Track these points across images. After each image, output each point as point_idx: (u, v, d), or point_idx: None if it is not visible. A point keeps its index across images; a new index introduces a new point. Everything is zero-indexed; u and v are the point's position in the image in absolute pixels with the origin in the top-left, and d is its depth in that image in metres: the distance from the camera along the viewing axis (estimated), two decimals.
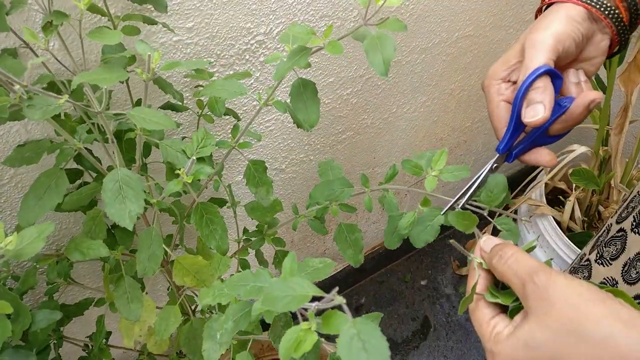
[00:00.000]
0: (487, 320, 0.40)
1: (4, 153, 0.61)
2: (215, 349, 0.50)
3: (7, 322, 0.43)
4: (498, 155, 0.49)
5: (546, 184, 1.28)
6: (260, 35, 0.74)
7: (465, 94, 1.19)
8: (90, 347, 0.78)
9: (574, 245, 1.17)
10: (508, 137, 0.48)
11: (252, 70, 0.76)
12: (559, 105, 0.47)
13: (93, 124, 0.54)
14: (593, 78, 0.64)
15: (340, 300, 0.32)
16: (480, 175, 0.51)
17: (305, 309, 0.35)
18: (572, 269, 0.88)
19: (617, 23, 0.47)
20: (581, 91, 0.48)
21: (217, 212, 0.54)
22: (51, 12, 0.44)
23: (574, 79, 0.48)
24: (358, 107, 0.98)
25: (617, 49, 0.50)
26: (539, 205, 1.24)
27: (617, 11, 0.47)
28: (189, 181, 0.45)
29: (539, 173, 1.34)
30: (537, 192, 1.28)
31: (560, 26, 0.45)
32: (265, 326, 0.62)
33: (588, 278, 0.82)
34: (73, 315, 0.70)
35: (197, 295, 0.70)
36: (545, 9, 0.50)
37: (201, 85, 0.65)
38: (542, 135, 0.48)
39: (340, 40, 0.44)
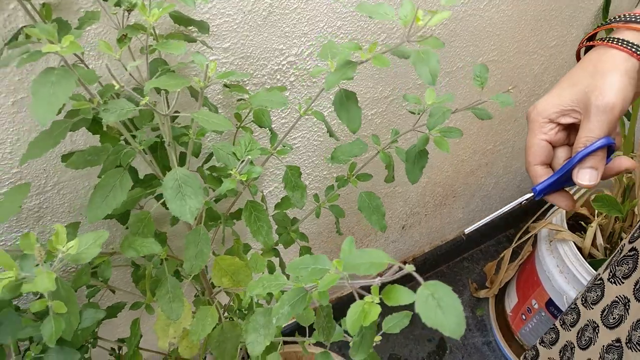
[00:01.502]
0: None
1: (49, 162, 0.65)
2: (260, 341, 0.52)
3: (61, 320, 0.46)
4: (532, 195, 0.52)
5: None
6: (291, 56, 0.77)
7: (492, 111, 1.21)
8: (118, 351, 0.81)
9: (594, 271, 1.17)
10: (548, 185, 0.50)
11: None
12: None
13: (133, 136, 0.58)
14: None
15: (411, 268, 0.36)
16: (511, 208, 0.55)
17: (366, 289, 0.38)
18: (587, 288, 0.88)
19: None
20: (618, 139, 0.50)
21: (264, 210, 0.57)
22: (124, 26, 0.48)
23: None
24: (381, 127, 1.01)
25: None
26: (560, 230, 1.24)
27: None
28: (244, 179, 0.49)
29: None
30: (558, 217, 1.28)
31: (625, 91, 0.46)
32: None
33: (601, 297, 0.82)
34: (107, 317, 0.72)
35: (229, 297, 0.73)
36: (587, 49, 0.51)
37: (242, 99, 0.69)
38: (569, 179, 0.50)
39: (365, 64, 0.48)
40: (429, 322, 0.35)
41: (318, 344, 0.75)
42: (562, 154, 0.52)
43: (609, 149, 0.48)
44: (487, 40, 1.01)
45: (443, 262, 1.68)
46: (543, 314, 1.37)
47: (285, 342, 0.76)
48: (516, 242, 1.39)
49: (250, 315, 0.56)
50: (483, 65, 0.63)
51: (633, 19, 0.48)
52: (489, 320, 1.58)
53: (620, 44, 0.47)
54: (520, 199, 0.54)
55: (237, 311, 0.69)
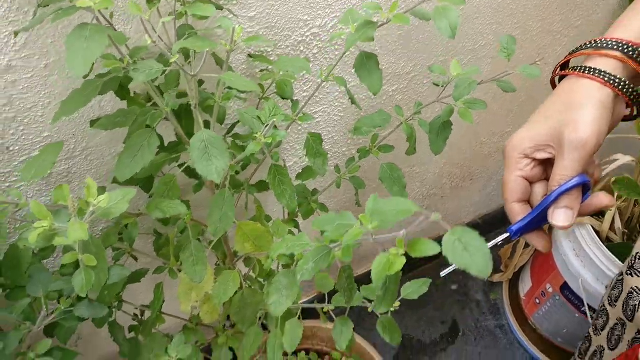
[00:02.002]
0: None
1: (78, 127, 0.67)
2: (282, 302, 0.53)
3: (92, 273, 0.47)
4: (508, 233, 0.50)
5: None
6: (315, 27, 0.77)
7: (508, 98, 1.20)
8: (140, 316, 0.83)
9: (612, 255, 1.16)
10: (524, 225, 0.48)
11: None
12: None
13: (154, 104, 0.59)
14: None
15: (437, 216, 0.36)
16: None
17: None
18: (612, 286, 0.88)
19: (636, 98, 0.47)
20: (597, 171, 0.48)
21: (287, 175, 0.58)
22: None
23: (596, 173, 0.49)
24: (403, 103, 1.01)
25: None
26: None
27: (635, 84, 0.46)
28: (268, 141, 0.49)
29: None
30: None
31: (599, 125, 0.44)
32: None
33: (621, 291, 0.82)
34: (130, 282, 0.74)
35: (248, 268, 0.74)
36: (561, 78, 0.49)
37: (265, 70, 0.69)
38: (545, 218, 0.48)
39: (387, 38, 0.48)
40: (457, 263, 0.36)
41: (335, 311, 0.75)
42: (539, 190, 0.49)
43: (585, 186, 0.46)
44: (511, 19, 1.00)
45: None
46: (557, 297, 1.36)
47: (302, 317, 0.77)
48: None
49: (273, 277, 0.57)
50: (510, 36, 0.63)
51: (605, 45, 0.46)
52: (503, 304, 1.58)
53: (592, 73, 0.45)
54: (497, 240, 0.53)
55: (257, 279, 0.71)
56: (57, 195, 0.42)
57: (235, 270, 0.66)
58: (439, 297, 1.59)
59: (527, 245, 1.50)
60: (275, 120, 0.50)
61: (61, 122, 0.64)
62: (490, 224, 1.68)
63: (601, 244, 1.18)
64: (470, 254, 0.37)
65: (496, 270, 1.62)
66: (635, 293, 0.76)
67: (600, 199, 0.46)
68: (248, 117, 0.53)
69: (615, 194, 1.24)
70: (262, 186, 0.78)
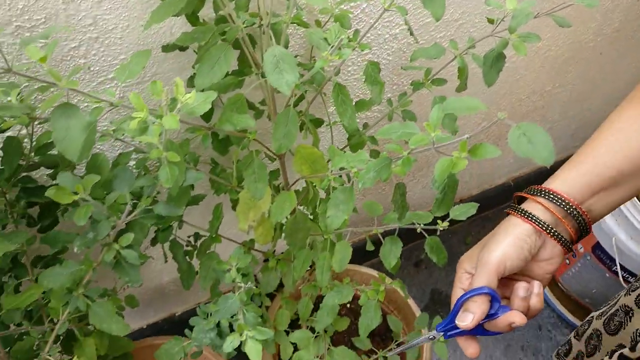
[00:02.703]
0: None
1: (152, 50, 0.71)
2: (339, 215, 0.58)
3: (175, 167, 0.52)
4: (436, 331, 0.59)
5: None
6: None
7: (551, 54, 1.21)
8: (194, 241, 0.88)
9: None
10: (445, 324, 0.57)
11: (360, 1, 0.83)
12: (494, 313, 0.53)
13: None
14: None
15: (502, 115, 0.40)
16: (419, 342, 0.64)
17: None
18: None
19: (562, 239, 0.54)
20: (525, 305, 0.54)
21: (349, 95, 0.61)
22: None
23: (522, 293, 0.54)
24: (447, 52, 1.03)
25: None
26: None
27: (559, 229, 0.53)
28: (336, 58, 0.53)
29: None
30: None
31: (506, 249, 0.53)
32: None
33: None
34: (190, 204, 0.80)
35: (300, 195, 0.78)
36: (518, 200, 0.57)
37: None
38: (479, 328, 0.55)
39: None
40: (522, 154, 0.40)
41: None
42: None
43: (494, 299, 0.53)
44: None
45: (489, 207, 1.70)
46: (588, 257, 1.38)
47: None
48: None
49: (331, 194, 0.62)
50: None
51: (538, 193, 0.54)
52: None
53: (519, 212, 0.54)
54: (430, 334, 0.60)
55: (311, 201, 0.75)
56: (153, 89, 0.47)
57: (292, 191, 0.70)
58: None
59: None
60: (342, 37, 0.54)
61: (135, 46, 0.68)
62: (522, 186, 1.69)
63: (636, 200, 1.19)
64: (534, 146, 0.41)
65: None
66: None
67: (510, 316, 0.53)
68: (315, 38, 0.57)
69: None
70: (316, 122, 0.82)
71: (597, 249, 1.34)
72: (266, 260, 0.87)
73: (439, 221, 0.66)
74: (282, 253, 0.88)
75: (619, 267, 1.28)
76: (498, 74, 0.67)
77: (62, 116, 0.45)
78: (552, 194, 0.54)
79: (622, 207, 1.22)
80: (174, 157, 0.51)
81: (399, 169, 0.55)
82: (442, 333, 0.59)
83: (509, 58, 1.14)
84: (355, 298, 1.29)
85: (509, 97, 1.27)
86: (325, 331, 0.93)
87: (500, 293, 0.56)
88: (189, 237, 0.88)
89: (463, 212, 0.65)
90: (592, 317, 0.92)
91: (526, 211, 0.54)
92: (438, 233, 0.69)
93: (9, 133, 0.62)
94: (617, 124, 0.54)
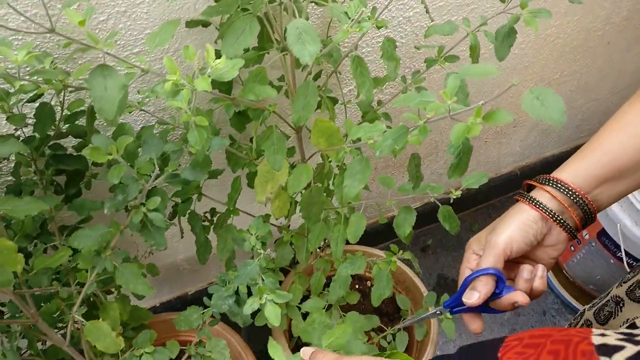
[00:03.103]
0: None
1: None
2: (355, 184, 0.60)
3: (203, 131, 0.54)
4: (443, 307, 0.62)
5: None
6: None
7: (560, 41, 1.23)
8: (211, 217, 0.91)
9: None
10: (452, 301, 0.60)
11: None
12: (499, 292, 0.56)
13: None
14: None
15: (516, 81, 0.42)
16: (426, 316, 0.67)
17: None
18: None
19: (567, 226, 0.56)
20: (529, 286, 0.57)
21: (367, 68, 0.64)
22: None
23: (526, 275, 0.57)
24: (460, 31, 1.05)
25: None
26: None
27: (564, 217, 0.56)
28: (357, 30, 0.55)
29: None
30: None
31: (512, 233, 0.56)
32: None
33: None
34: (209, 177, 0.82)
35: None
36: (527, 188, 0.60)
37: None
38: (484, 306, 0.58)
39: None
40: (535, 116, 0.42)
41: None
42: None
43: (499, 279, 0.55)
44: None
45: (496, 196, 1.72)
46: (593, 244, 1.40)
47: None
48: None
49: (348, 165, 0.64)
50: None
51: (546, 182, 0.57)
52: None
53: (527, 199, 0.57)
54: (436, 310, 0.64)
55: (326, 175, 0.78)
56: (186, 54, 0.49)
57: (308, 164, 0.73)
58: None
59: None
60: (363, 10, 0.56)
61: (160, 21, 0.71)
62: (528, 175, 1.72)
63: None
64: (546, 108, 0.43)
65: None
66: None
67: (514, 296, 0.56)
68: (336, 12, 0.59)
69: None
70: (332, 101, 0.84)
71: (602, 235, 1.37)
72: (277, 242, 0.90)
73: (452, 190, 0.69)
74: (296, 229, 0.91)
75: (623, 253, 1.30)
76: (509, 49, 0.69)
77: (100, 76, 0.48)
78: (559, 183, 0.56)
79: None
80: (202, 121, 0.54)
81: (415, 139, 0.58)
82: (448, 310, 0.61)
83: (517, 45, 1.16)
84: (364, 279, 1.32)
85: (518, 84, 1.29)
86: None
87: (505, 275, 0.59)
88: (205, 213, 0.90)
89: (476, 180, 0.67)
90: (584, 309, 0.94)
91: (534, 198, 0.57)
92: (451, 201, 0.71)
93: (41, 101, 0.64)
94: (626, 117, 0.56)
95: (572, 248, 1.50)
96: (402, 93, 0.78)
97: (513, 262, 0.60)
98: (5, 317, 0.66)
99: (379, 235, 1.51)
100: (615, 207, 1.28)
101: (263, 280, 0.68)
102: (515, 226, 0.56)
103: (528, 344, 0.43)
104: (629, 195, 1.24)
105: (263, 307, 0.64)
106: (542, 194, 0.57)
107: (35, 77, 0.55)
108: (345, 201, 0.73)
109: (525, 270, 0.57)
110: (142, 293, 0.63)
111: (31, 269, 0.61)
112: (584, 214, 0.56)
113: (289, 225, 0.90)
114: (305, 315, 0.97)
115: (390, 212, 1.55)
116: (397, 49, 0.98)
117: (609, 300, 0.85)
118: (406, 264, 1.21)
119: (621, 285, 0.84)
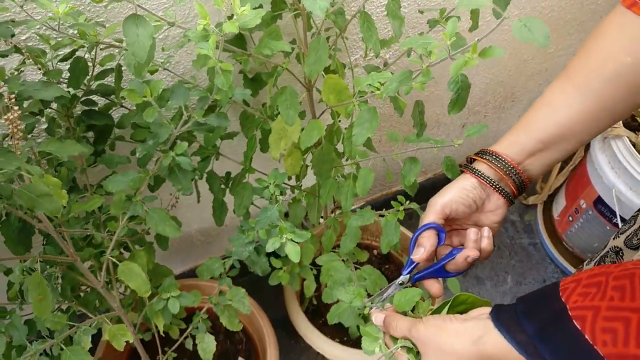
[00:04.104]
0: None
1: None
2: (363, 132, 0.65)
3: (229, 75, 0.60)
4: (402, 276, 0.65)
5: None
6: None
7: (554, 15, 1.28)
8: (226, 180, 0.96)
9: None
10: (408, 266, 0.64)
11: None
12: (451, 253, 0.61)
13: None
14: None
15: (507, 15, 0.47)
16: (388, 288, 0.68)
17: None
18: None
19: (504, 192, 0.63)
20: (477, 247, 0.62)
21: (374, 23, 0.69)
22: None
23: (472, 236, 0.63)
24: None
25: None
26: (615, 127, 1.32)
27: (501, 184, 0.63)
28: None
29: None
30: None
31: (451, 195, 0.63)
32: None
33: None
34: (225, 138, 0.88)
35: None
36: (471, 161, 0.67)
37: None
38: (442, 270, 0.63)
39: None
40: (523, 40, 0.48)
41: None
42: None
43: (440, 231, 0.62)
44: None
45: None
46: (590, 212, 1.46)
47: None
48: None
49: (357, 115, 0.69)
50: None
51: (485, 155, 0.64)
52: (537, 224, 1.68)
53: (469, 169, 0.64)
54: (398, 280, 0.68)
55: (336, 132, 0.83)
56: (215, 0, 0.54)
57: (319, 120, 0.78)
58: None
59: (562, 168, 1.59)
60: None
61: None
62: None
63: (636, 152, 1.26)
64: (533, 33, 0.48)
65: (532, 192, 1.71)
66: None
67: (467, 251, 0.61)
68: None
69: None
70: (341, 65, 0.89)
71: (599, 202, 1.42)
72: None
73: (453, 140, 0.74)
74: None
75: (619, 218, 1.35)
76: (506, 6, 0.74)
77: (133, 25, 0.53)
78: (495, 155, 0.63)
79: (621, 159, 1.29)
80: (227, 67, 0.59)
81: (419, 85, 0.63)
82: (408, 277, 0.65)
83: (513, 17, 1.21)
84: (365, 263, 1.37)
85: (514, 57, 1.34)
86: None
87: (457, 242, 0.66)
88: (220, 177, 0.95)
89: (476, 131, 0.72)
90: (582, 266, 0.99)
91: (474, 168, 0.64)
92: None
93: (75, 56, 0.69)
94: (551, 96, 0.62)
95: (571, 218, 1.55)
96: (407, 53, 0.83)
97: (461, 230, 0.66)
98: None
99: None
100: (610, 174, 1.34)
101: (283, 222, 0.73)
102: (456, 189, 0.63)
103: (588, 284, 0.45)
104: (622, 160, 1.29)
105: (284, 245, 0.69)
106: (480, 165, 0.64)
107: (71, 31, 0.61)
108: (355, 152, 0.78)
109: (472, 232, 0.63)
110: (170, 234, 0.68)
111: (68, 212, 0.66)
112: (518, 181, 0.63)
113: (301, 186, 0.95)
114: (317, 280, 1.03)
115: (395, 186, 1.60)
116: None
117: (608, 252, 0.90)
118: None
119: (618, 237, 0.89)
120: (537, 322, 0.46)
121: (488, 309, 0.51)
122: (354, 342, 1.17)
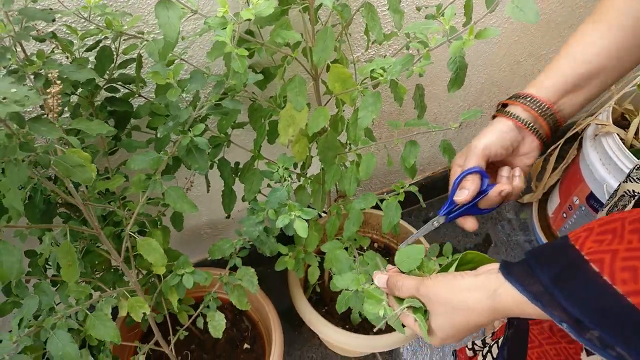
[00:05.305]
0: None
1: None
2: (368, 115, 0.71)
3: (244, 60, 0.65)
4: (439, 216, 0.70)
5: (614, 109, 1.42)
6: None
7: (545, 18, 1.34)
8: (236, 167, 1.01)
9: (635, 159, 1.30)
10: (446, 206, 0.69)
11: None
12: (484, 190, 0.66)
13: None
14: None
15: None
16: (426, 228, 0.75)
17: None
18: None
19: (539, 133, 0.66)
20: (509, 182, 0.67)
21: (376, 12, 0.75)
22: None
23: (505, 173, 0.67)
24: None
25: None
26: (605, 125, 1.38)
27: (536, 125, 0.66)
28: None
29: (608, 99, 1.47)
30: (604, 114, 1.41)
31: (490, 138, 0.66)
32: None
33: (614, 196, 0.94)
34: (235, 127, 0.93)
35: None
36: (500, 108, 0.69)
37: None
38: (474, 208, 0.67)
39: None
40: (515, 18, 0.53)
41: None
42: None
43: (483, 176, 0.65)
44: None
45: None
46: (583, 208, 1.51)
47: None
48: (564, 140, 1.53)
49: (362, 99, 0.75)
50: None
51: (518, 98, 0.67)
52: (532, 222, 1.73)
53: (504, 113, 0.67)
54: (433, 220, 0.73)
55: (340, 120, 0.88)
56: None
57: (326, 107, 0.83)
58: None
59: (555, 166, 1.65)
60: None
61: None
62: None
63: (625, 148, 1.32)
64: (524, 12, 0.54)
65: (528, 190, 1.77)
66: (626, 195, 0.89)
67: (501, 185, 0.65)
68: None
69: None
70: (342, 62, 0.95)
71: (591, 198, 1.47)
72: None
73: (450, 123, 0.79)
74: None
75: None
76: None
77: (164, 8, 0.58)
78: (529, 98, 0.66)
79: (611, 155, 1.34)
80: (243, 52, 0.65)
81: (419, 68, 0.69)
82: (444, 217, 0.70)
83: (506, 19, 1.27)
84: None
85: (508, 58, 1.40)
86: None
87: (491, 180, 0.69)
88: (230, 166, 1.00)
89: (471, 114, 0.77)
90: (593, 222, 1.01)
91: (509, 111, 0.67)
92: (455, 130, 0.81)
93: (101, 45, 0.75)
94: (576, 38, 0.66)
95: (564, 215, 1.60)
96: (406, 47, 0.89)
97: (495, 169, 0.70)
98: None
99: None
100: (601, 170, 1.39)
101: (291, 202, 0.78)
102: (493, 134, 0.66)
103: (602, 231, 0.46)
104: (612, 156, 1.34)
105: (292, 222, 0.74)
106: (515, 108, 0.67)
107: (99, 18, 0.66)
108: (359, 136, 0.83)
109: (505, 169, 0.67)
110: (187, 210, 0.73)
111: (93, 189, 0.71)
112: (552, 122, 0.66)
113: (307, 173, 1.00)
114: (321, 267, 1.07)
115: (394, 184, 1.65)
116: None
117: (624, 195, 0.93)
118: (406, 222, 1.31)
119: (634, 181, 0.91)
120: (552, 271, 0.46)
121: (497, 265, 0.53)
122: (356, 330, 1.21)
